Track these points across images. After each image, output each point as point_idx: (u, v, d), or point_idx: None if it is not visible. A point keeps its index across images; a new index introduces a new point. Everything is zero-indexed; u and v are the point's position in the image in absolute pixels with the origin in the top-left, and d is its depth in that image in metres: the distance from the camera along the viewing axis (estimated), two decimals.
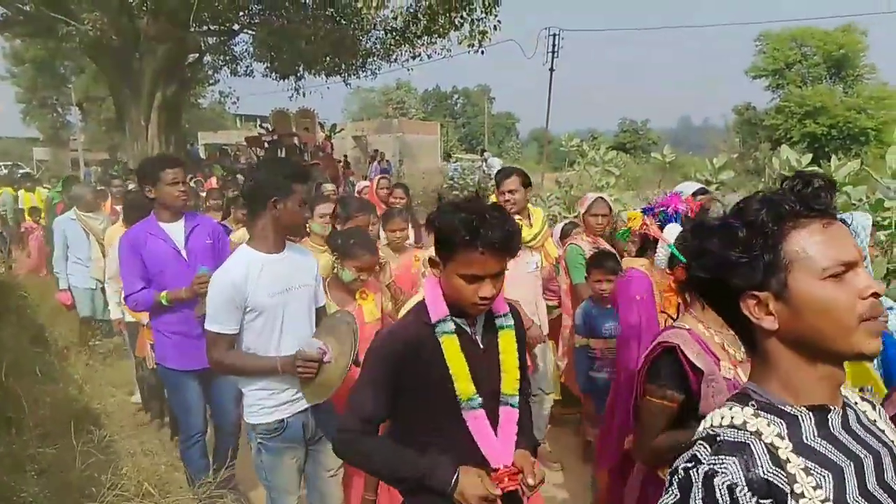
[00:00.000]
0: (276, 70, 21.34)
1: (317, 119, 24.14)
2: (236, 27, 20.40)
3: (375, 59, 21.03)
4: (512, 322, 2.01)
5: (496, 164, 18.49)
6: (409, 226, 4.98)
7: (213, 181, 14.55)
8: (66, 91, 38.84)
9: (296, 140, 20.96)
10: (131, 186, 11.18)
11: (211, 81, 24.32)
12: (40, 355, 5.93)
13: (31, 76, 38.88)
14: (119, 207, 7.15)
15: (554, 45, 26.20)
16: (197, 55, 21.05)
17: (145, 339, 4.44)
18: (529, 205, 4.37)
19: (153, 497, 3.69)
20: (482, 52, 19.12)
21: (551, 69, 25.60)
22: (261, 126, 23.84)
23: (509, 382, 1.95)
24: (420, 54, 20.45)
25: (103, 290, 5.77)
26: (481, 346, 1.94)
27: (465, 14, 18.66)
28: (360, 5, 17.80)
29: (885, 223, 4.19)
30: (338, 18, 18.63)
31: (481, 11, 18.62)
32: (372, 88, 54.55)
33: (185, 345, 3.50)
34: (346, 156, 23.33)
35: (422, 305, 1.93)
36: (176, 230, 3.54)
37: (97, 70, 20.83)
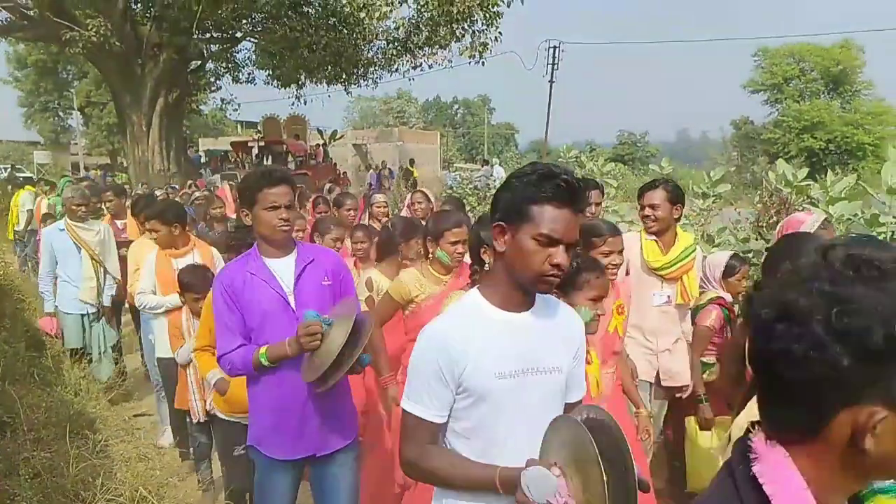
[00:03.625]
0: (278, 78, 21.48)
1: (308, 126, 24.17)
2: (239, 35, 20.54)
3: (377, 68, 21.18)
4: None
5: (501, 173, 18.56)
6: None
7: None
8: (68, 95, 39.03)
9: (284, 147, 20.93)
10: (138, 191, 11.05)
11: (213, 88, 24.43)
12: (36, 360, 5.91)
13: (33, 80, 39.06)
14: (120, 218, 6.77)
15: (554, 58, 26.41)
16: (199, 62, 21.17)
17: (185, 386, 3.87)
18: (680, 227, 3.69)
19: (149, 502, 3.69)
20: (483, 64, 19.28)
21: (551, 81, 25.83)
22: (256, 132, 23.93)
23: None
24: (421, 64, 20.60)
25: (98, 314, 5.36)
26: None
27: (466, 26, 18.84)
28: (362, 15, 17.97)
29: (880, 238, 4.22)
30: (340, 28, 18.76)
31: (483, 23, 18.81)
32: (373, 97, 54.80)
33: (286, 424, 2.63)
34: (336, 165, 23.31)
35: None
36: (284, 269, 2.63)
37: (99, 75, 20.94)
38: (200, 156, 26.30)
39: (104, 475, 3.77)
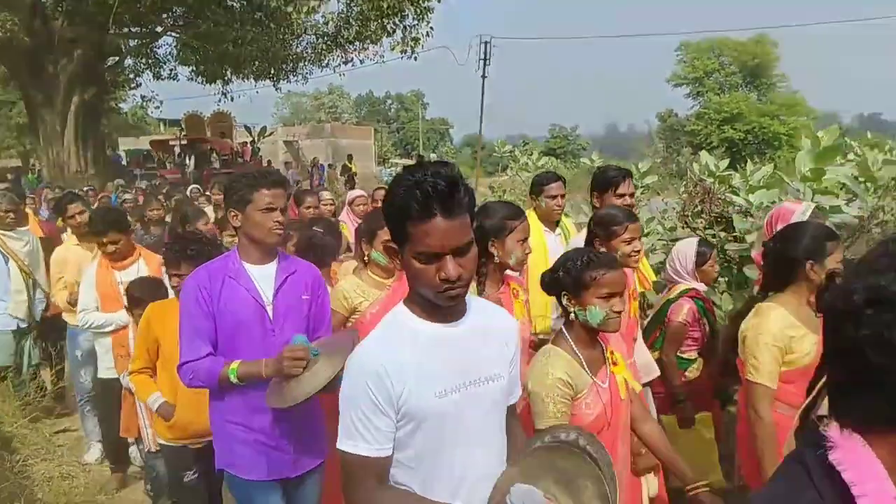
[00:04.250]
0: (202, 74, 20.78)
1: (234, 123, 23.53)
2: (159, 29, 19.73)
3: (306, 63, 20.81)
4: None
5: None
6: None
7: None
8: None
9: (208, 146, 20.28)
10: (52, 195, 10.34)
11: (132, 85, 23.38)
12: None
13: None
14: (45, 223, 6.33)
15: (486, 53, 26.60)
16: (117, 58, 20.21)
17: (133, 413, 3.54)
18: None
19: None
20: (415, 59, 19.24)
21: (483, 76, 25.98)
22: (179, 130, 23.07)
23: None
24: (352, 59, 20.39)
25: (28, 330, 4.97)
26: None
27: (397, 20, 18.75)
28: (289, 10, 17.57)
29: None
30: (266, 22, 18.29)
31: (413, 18, 18.76)
32: (304, 93, 53.86)
33: (258, 442, 2.45)
34: (269, 163, 22.66)
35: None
36: (264, 277, 2.46)
37: (7, 72, 19.66)
38: (121, 156, 25.15)
39: (25, 496, 3.57)
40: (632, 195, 3.56)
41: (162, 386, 3.06)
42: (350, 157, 23.66)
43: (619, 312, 2.16)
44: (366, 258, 3.15)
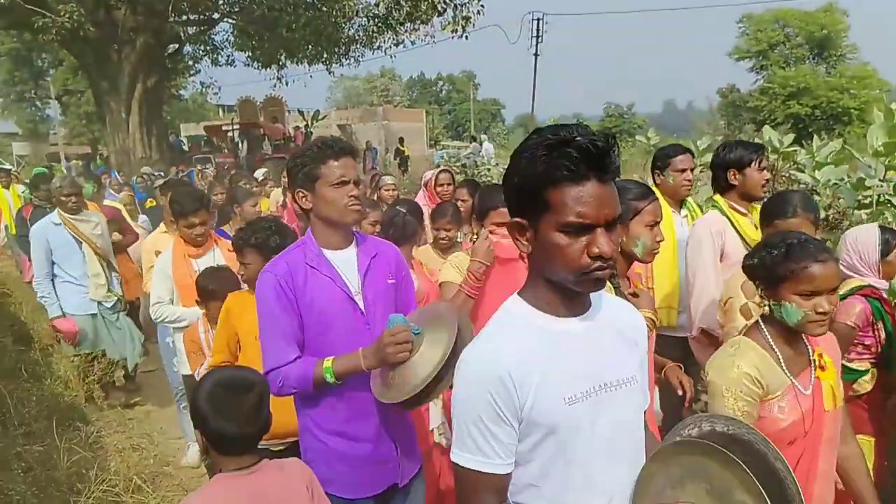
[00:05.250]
0: (258, 59, 21.17)
1: (286, 108, 23.79)
2: (216, 16, 20.17)
3: (358, 46, 20.90)
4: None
5: (490, 150, 18.47)
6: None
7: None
8: (45, 84, 38.27)
9: (261, 130, 20.50)
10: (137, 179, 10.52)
11: (192, 72, 24.05)
12: (24, 353, 5.86)
13: (7, 69, 38.22)
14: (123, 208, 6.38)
15: (538, 30, 26.17)
16: (177, 46, 20.81)
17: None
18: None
19: (144, 491, 3.69)
20: (466, 38, 19.08)
21: (536, 54, 25.60)
22: (232, 115, 23.56)
23: None
24: (403, 41, 20.36)
25: (116, 306, 4.86)
26: None
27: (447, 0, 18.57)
28: None
29: (867, 202, 4.23)
30: (319, 6, 18.45)
31: None
32: (356, 76, 54.15)
33: (360, 452, 2.14)
34: None
35: None
36: (346, 263, 2.16)
37: (75, 63, 20.52)
38: (182, 141, 25.99)
39: (98, 466, 3.77)
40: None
41: None
42: (402, 140, 23.68)
43: (825, 314, 1.82)
44: (473, 239, 2.86)
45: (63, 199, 4.75)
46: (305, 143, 22.72)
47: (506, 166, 1.35)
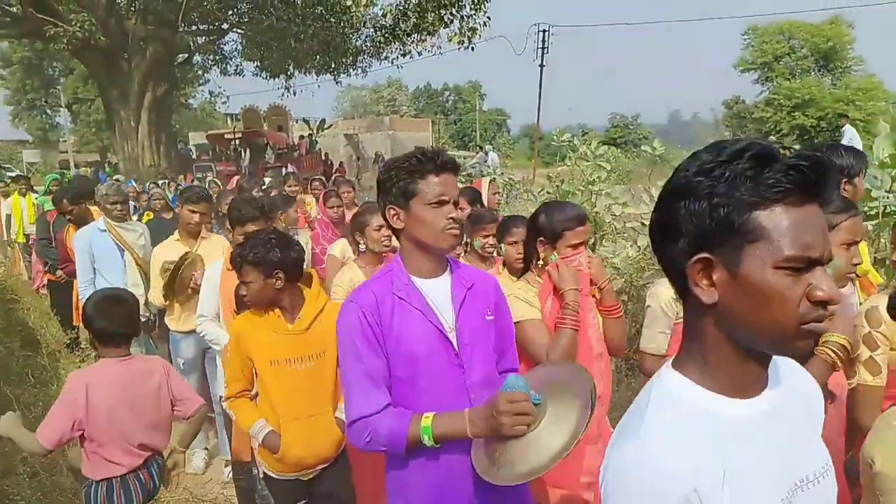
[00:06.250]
0: (266, 69, 21.38)
1: (290, 116, 23.82)
2: (225, 26, 20.38)
3: (365, 56, 21.10)
4: None
5: (496, 159, 18.52)
6: None
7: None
8: (55, 93, 38.71)
9: (264, 139, 20.34)
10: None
11: (201, 81, 24.31)
12: (31, 358, 5.89)
13: (19, 78, 38.68)
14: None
15: (544, 41, 26.26)
16: (186, 55, 21.03)
17: (245, 436, 2.86)
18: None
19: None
20: (472, 49, 19.20)
21: (541, 65, 25.68)
22: (236, 123, 23.62)
23: None
24: (410, 52, 20.51)
25: (149, 328, 4.60)
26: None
27: (454, 11, 18.77)
28: (349, 3, 17.87)
29: (872, 213, 4.23)
30: (327, 17, 18.64)
31: (470, 8, 18.74)
32: (363, 86, 54.52)
33: None
34: (327, 156, 22.93)
35: None
36: (439, 294, 1.87)
37: (86, 71, 20.74)
38: (191, 149, 26.15)
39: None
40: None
41: (263, 411, 2.59)
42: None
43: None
44: (541, 261, 2.47)
45: (109, 206, 4.62)
46: (309, 153, 22.33)
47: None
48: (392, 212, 1.84)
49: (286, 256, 2.51)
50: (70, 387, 2.49)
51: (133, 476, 2.55)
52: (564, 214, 2.38)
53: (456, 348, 1.83)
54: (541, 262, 2.43)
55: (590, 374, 1.76)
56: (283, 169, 16.32)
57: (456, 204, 1.83)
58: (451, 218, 1.80)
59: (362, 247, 3.49)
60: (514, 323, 2.18)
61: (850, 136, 12.09)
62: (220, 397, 3.63)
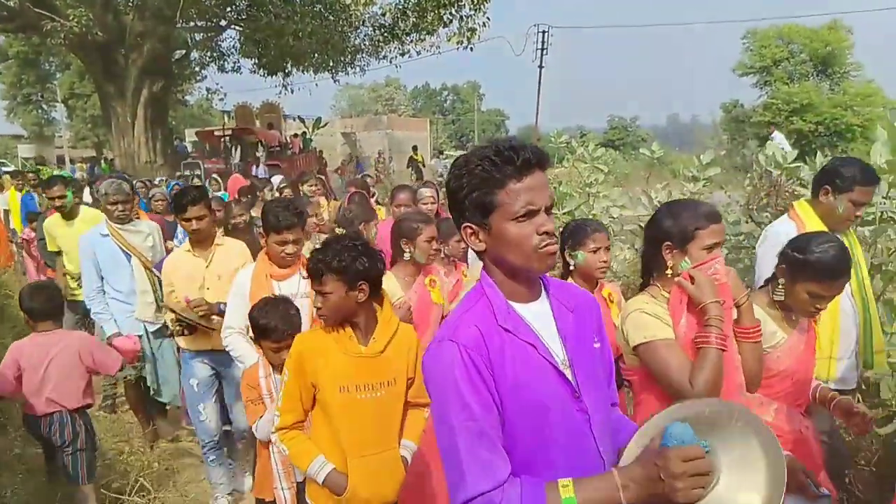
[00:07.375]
0: (264, 66, 21.31)
1: (282, 114, 23.63)
2: (223, 23, 20.33)
3: (364, 55, 21.05)
4: None
5: None
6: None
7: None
8: (51, 87, 38.54)
9: (255, 136, 19.95)
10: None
11: (198, 78, 24.20)
12: None
13: (15, 72, 38.48)
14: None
15: (543, 42, 26.29)
16: (184, 51, 20.96)
17: (268, 470, 2.74)
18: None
19: (147, 493, 3.68)
20: (471, 49, 19.19)
21: (540, 66, 25.71)
22: (227, 121, 23.42)
23: None
24: (409, 51, 20.50)
25: (161, 331, 4.13)
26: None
27: (453, 11, 18.76)
28: (348, 2, 17.84)
29: (870, 219, 4.23)
30: (326, 15, 18.61)
31: (470, 8, 18.73)
32: (361, 85, 54.48)
33: None
34: (321, 154, 22.70)
35: None
36: (540, 320, 1.50)
37: (82, 66, 20.65)
38: (186, 146, 26.04)
39: (100, 468, 3.76)
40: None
41: (322, 445, 2.26)
42: (415, 149, 23.34)
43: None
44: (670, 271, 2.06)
45: (110, 207, 4.20)
46: (302, 152, 22.00)
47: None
48: (469, 231, 1.47)
49: (373, 267, 2.23)
50: (10, 350, 3.39)
51: (47, 419, 3.34)
52: (694, 212, 2.04)
53: (577, 389, 1.46)
54: (669, 272, 2.03)
55: (746, 406, 1.41)
56: (277, 166, 16.19)
57: (548, 210, 1.43)
58: (545, 232, 1.41)
59: (406, 255, 3.20)
60: (641, 344, 1.93)
61: (780, 141, 12.72)
62: (243, 428, 3.45)
